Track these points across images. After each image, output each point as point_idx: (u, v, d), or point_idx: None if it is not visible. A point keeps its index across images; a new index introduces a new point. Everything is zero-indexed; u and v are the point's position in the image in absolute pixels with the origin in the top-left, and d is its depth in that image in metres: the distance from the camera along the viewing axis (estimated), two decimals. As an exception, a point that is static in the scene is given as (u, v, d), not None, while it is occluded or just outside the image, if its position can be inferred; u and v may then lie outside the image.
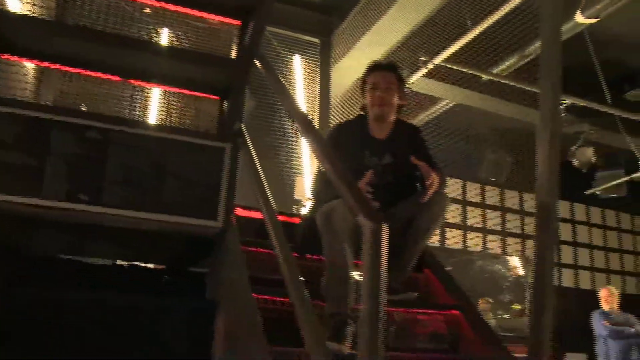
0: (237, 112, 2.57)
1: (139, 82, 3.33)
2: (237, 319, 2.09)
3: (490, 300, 7.17)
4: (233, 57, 2.85)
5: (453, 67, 4.68)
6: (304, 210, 4.24)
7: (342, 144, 2.42)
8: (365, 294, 1.29)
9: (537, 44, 3.98)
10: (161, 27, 3.55)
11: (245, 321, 1.98)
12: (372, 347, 1.26)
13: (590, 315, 5.91)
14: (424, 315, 2.37)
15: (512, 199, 8.02)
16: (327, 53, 5.13)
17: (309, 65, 5.08)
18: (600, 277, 8.21)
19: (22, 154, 2.15)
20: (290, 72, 4.99)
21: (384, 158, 2.49)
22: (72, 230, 2.46)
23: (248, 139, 2.43)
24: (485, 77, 4.79)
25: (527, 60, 4.54)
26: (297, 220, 2.85)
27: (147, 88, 3.72)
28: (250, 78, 2.66)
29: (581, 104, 5.12)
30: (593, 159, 6.08)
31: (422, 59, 4.65)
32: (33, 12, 2.95)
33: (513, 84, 4.82)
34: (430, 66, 4.65)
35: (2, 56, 2.52)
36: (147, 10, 3.37)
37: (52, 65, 2.91)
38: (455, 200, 7.43)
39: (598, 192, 6.86)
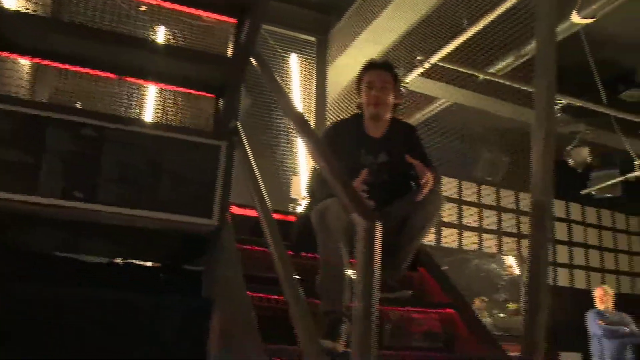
0: (233, 110, 2.56)
1: (134, 80, 3.32)
2: (232, 316, 2.09)
3: (486, 299, 7.19)
4: (229, 55, 2.85)
5: (449, 66, 4.69)
6: (300, 209, 4.24)
7: (338, 143, 2.42)
8: (359, 292, 1.30)
9: (533, 43, 3.99)
10: (157, 25, 3.55)
11: (240, 319, 1.98)
12: (365, 344, 1.27)
13: (585, 315, 5.92)
14: (419, 313, 2.38)
15: (507, 197, 8.03)
16: (324, 51, 5.14)
17: (305, 64, 5.09)
18: (595, 277, 8.22)
19: (17, 151, 2.14)
20: (286, 70, 4.99)
21: (379, 157, 2.50)
22: (68, 228, 2.46)
23: (244, 137, 2.42)
24: (481, 76, 4.81)
25: (522, 59, 4.55)
26: (292, 218, 2.85)
27: (143, 86, 3.72)
28: (246, 76, 2.65)
29: (577, 104, 5.14)
30: (588, 159, 6.10)
31: (418, 58, 4.66)
32: (28, 9, 2.95)
33: (509, 83, 4.83)
34: (426, 65, 4.66)
35: (-3, 53, 2.52)
36: (143, 8, 3.37)
37: (47, 63, 2.90)
38: (451, 199, 7.44)
39: (593, 192, 6.88)
